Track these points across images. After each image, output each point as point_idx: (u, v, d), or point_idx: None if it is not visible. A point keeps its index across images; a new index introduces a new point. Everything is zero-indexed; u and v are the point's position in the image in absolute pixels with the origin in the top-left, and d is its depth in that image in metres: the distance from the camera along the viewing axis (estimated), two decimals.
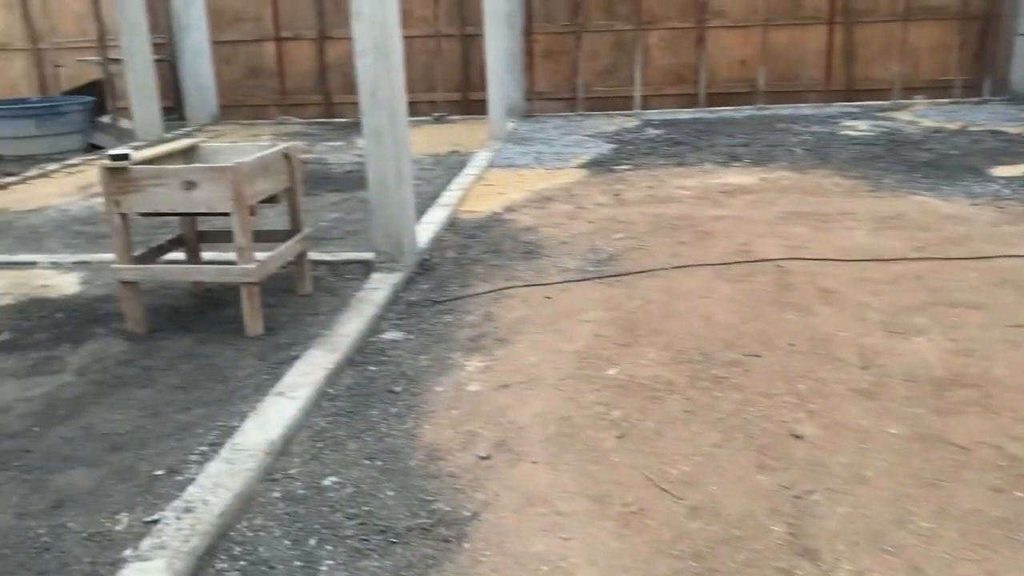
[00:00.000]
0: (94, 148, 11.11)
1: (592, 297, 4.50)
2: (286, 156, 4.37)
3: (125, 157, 3.85)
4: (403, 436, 3.06)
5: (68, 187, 7.99)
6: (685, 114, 11.71)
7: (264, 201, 4.28)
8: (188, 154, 4.47)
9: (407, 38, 12.16)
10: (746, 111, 11.63)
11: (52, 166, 9.01)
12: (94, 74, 11.78)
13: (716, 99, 12.16)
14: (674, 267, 4.92)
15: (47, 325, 4.23)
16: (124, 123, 11.06)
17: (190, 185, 3.80)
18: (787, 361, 3.58)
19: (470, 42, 12.15)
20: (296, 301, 4.50)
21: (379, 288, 4.56)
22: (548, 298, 4.52)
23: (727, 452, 2.87)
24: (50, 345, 3.96)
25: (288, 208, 4.51)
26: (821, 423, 3.04)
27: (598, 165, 8.25)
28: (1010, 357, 3.52)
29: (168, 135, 10.94)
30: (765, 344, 3.77)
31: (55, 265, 5.21)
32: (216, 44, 12.34)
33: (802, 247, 5.17)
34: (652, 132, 10.25)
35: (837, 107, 11.56)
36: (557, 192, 7.11)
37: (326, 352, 3.71)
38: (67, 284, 4.86)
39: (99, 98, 11.47)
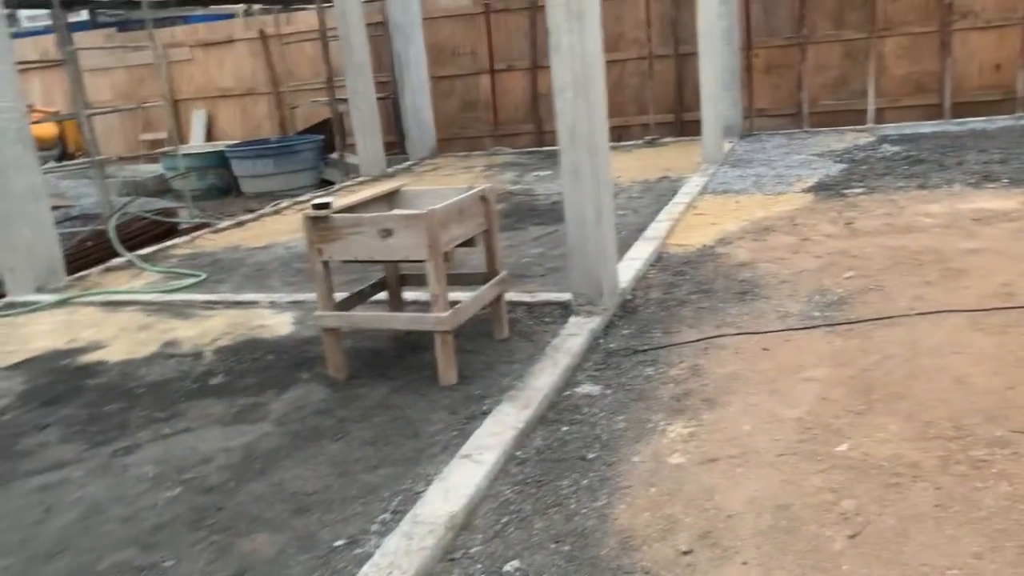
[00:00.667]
0: (325, 183, 11.85)
1: (818, 350, 3.96)
2: (483, 199, 4.23)
3: (327, 206, 3.87)
4: (594, 516, 2.75)
5: (295, 223, 8.44)
6: (927, 127, 10.53)
7: (463, 244, 4.17)
8: (391, 199, 4.46)
9: (619, 61, 12.12)
10: (1002, 122, 10.26)
11: (285, 202, 9.63)
12: (326, 114, 12.59)
13: (964, 109, 10.85)
14: (918, 314, 4.25)
15: (257, 368, 4.36)
16: (350, 159, 11.68)
17: (387, 233, 3.75)
18: None
19: (684, 62, 11.70)
20: (492, 346, 4.33)
21: (576, 334, 4.29)
22: (766, 350, 4.03)
23: (994, 567, 2.30)
24: (257, 390, 4.05)
25: (485, 251, 4.36)
26: None
27: (826, 189, 7.52)
28: None
29: (390, 169, 11.43)
30: None
31: (273, 304, 5.42)
32: (434, 80, 12.74)
33: None
34: (889, 149, 9.27)
35: None
36: (778, 221, 6.52)
37: (517, 409, 3.48)
38: (281, 324, 5.02)
39: (329, 136, 12.23)
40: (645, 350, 4.19)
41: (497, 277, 4.34)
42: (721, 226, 6.56)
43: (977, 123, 10.40)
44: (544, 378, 3.79)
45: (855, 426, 3.17)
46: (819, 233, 6.02)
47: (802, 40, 11.28)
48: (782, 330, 4.24)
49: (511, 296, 4.94)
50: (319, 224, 3.85)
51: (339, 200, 4.12)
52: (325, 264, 3.93)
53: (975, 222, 5.85)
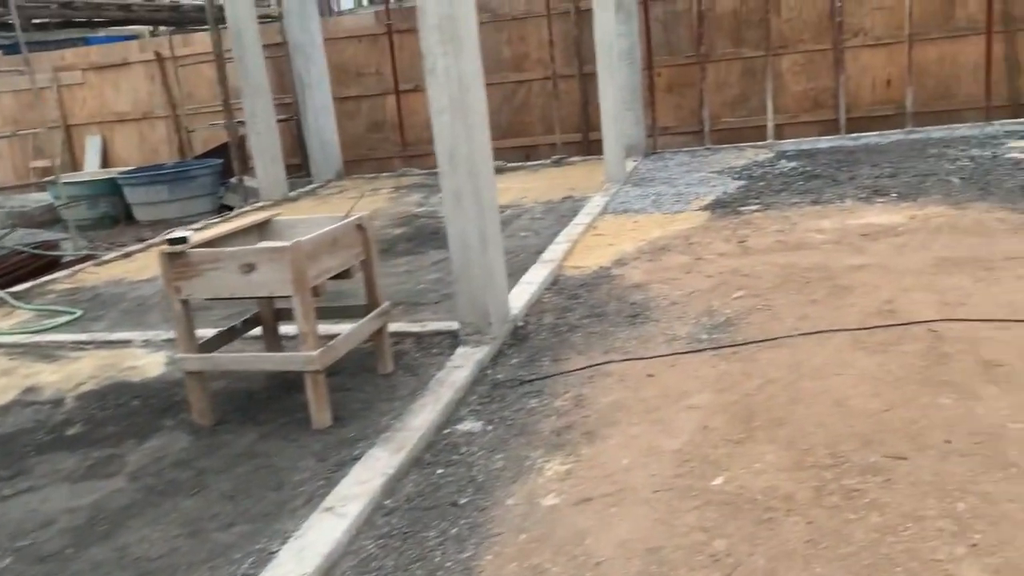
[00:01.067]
0: (225, 209, 11.45)
1: (702, 375, 3.89)
2: (359, 227, 4.05)
3: (183, 240, 3.63)
4: (459, 570, 2.58)
5: None
6: (824, 142, 10.77)
7: (338, 276, 3.98)
8: (262, 229, 4.24)
9: (525, 82, 12.11)
10: (893, 136, 10.58)
11: (177, 231, 9.22)
12: (227, 137, 12.18)
13: (859, 124, 11.15)
14: (802, 334, 4.23)
15: (120, 415, 4.07)
16: (250, 183, 11.32)
17: (249, 268, 3.53)
18: (942, 466, 2.86)
19: (589, 81, 11.68)
20: (374, 382, 4.14)
21: (462, 366, 4.14)
22: (651, 376, 3.95)
23: None
24: (115, 441, 3.76)
25: (364, 283, 4.18)
26: (989, 564, 2.33)
27: (722, 206, 7.57)
28: None
29: (293, 193, 11.13)
30: (914, 440, 3.05)
31: (147, 343, 5.12)
32: (339, 100, 12.48)
33: (960, 304, 4.36)
34: (786, 165, 9.43)
35: (1000, 126, 10.31)
36: (674, 240, 6.51)
37: (390, 452, 3.30)
38: (152, 365, 4.73)
39: (229, 159, 11.83)
40: (532, 380, 4.06)
41: (378, 309, 4.16)
42: (619, 247, 6.51)
43: (871, 138, 10.69)
44: (423, 416, 3.62)
45: (733, 457, 3.09)
46: (712, 252, 6.01)
47: (701, 59, 11.45)
48: (668, 354, 4.17)
49: (399, 327, 4.79)
50: (175, 260, 3.61)
51: (203, 232, 3.89)
52: (184, 303, 3.69)
53: (863, 237, 5.93)
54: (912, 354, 3.82)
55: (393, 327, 4.69)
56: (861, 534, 2.53)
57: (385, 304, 4.25)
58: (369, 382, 4.15)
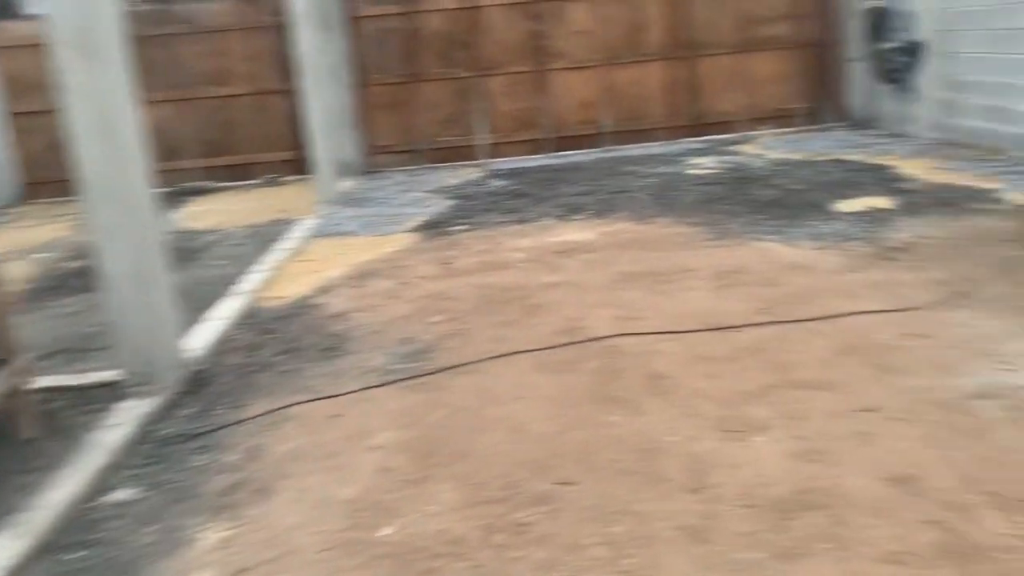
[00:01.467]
0: None
1: (390, 409, 3.74)
2: None
3: None
4: None
5: None
6: (533, 161, 11.19)
7: None
8: None
9: (230, 97, 11.41)
10: (594, 154, 11.24)
11: None
12: None
13: (565, 143, 11.72)
14: (492, 357, 4.22)
15: None
16: None
17: None
18: (607, 488, 2.91)
19: (300, 97, 11.31)
20: (11, 451, 3.54)
21: (120, 424, 3.66)
22: (336, 416, 3.73)
23: None
24: None
25: None
26: None
27: (432, 227, 7.54)
28: (861, 458, 2.96)
29: None
30: (584, 462, 3.09)
31: None
32: (16, 115, 11.05)
33: (635, 318, 4.59)
34: (496, 184, 9.65)
35: (684, 144, 11.30)
36: (381, 264, 6.35)
37: (12, 539, 2.79)
38: None
39: None
40: (204, 433, 3.67)
41: (9, 367, 3.56)
42: (324, 273, 6.23)
43: (575, 156, 11.25)
44: (64, 489, 3.13)
45: (408, 500, 2.94)
46: (418, 275, 5.92)
47: (414, 78, 11.47)
48: (358, 390, 3.97)
49: (53, 380, 4.19)
50: None
51: None
52: None
53: (559, 255, 6.13)
54: (589, 372, 3.93)
55: (46, 380, 4.11)
56: (525, 574, 2.47)
57: (22, 359, 3.66)
58: (4, 451, 3.54)
